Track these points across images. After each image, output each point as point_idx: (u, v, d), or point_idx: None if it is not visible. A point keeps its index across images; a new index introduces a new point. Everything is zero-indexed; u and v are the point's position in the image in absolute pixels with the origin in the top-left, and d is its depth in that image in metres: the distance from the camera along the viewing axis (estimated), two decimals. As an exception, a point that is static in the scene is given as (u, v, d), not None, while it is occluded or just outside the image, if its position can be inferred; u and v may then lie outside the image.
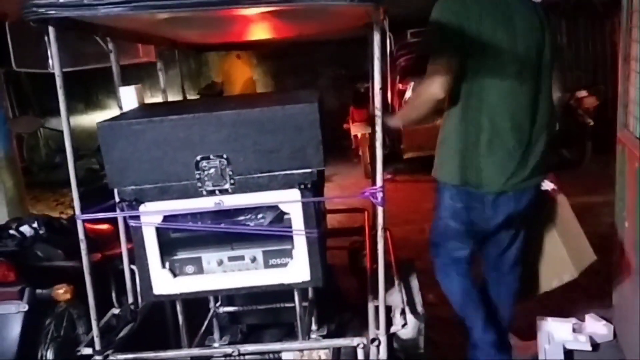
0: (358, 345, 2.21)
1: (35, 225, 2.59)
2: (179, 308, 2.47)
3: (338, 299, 3.11)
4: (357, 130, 8.07)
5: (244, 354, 2.31)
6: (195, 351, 2.35)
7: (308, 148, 2.10)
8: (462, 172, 2.64)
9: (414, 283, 2.74)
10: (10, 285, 2.45)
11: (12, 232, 2.51)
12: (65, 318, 2.91)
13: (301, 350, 2.27)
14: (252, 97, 2.63)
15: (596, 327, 3.28)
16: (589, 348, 3.20)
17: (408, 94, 8.16)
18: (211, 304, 2.85)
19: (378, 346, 2.22)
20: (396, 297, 2.49)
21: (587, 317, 3.36)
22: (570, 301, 3.68)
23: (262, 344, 2.41)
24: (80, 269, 2.77)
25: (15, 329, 2.43)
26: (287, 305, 2.71)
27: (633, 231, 2.94)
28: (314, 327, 2.89)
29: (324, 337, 2.83)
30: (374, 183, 2.10)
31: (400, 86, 8.34)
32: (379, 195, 2.08)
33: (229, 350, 2.28)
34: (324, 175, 2.22)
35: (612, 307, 3.37)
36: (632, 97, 2.88)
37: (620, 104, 3.08)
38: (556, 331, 3.27)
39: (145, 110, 2.47)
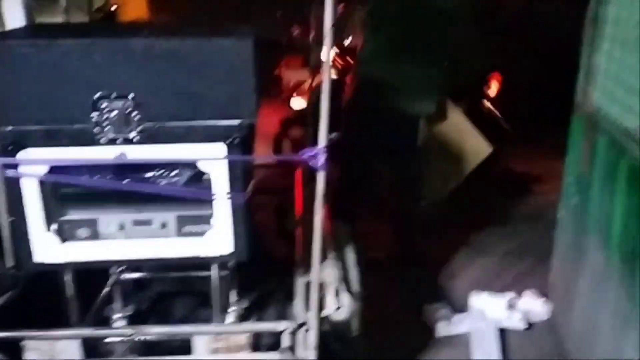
0: (284, 330, 1.89)
1: None
2: (68, 278, 2.04)
3: (262, 266, 2.75)
4: (291, 76, 7.59)
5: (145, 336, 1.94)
6: (86, 332, 1.95)
7: (238, 94, 1.70)
8: None
9: (350, 255, 2.43)
10: None
11: None
12: None
13: (219, 334, 1.91)
14: (175, 25, 2.16)
15: (532, 304, 3.12)
16: (523, 327, 3.04)
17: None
18: (113, 269, 2.43)
19: (307, 331, 1.91)
20: (329, 273, 2.17)
21: (524, 293, 3.19)
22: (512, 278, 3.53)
23: (169, 325, 2.05)
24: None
25: None
26: (203, 274, 2.33)
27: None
28: (233, 298, 2.55)
29: (245, 313, 2.50)
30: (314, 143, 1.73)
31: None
32: (321, 158, 1.72)
33: (128, 331, 1.90)
34: (255, 129, 1.83)
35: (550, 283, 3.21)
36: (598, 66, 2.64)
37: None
38: (489, 308, 3.09)
39: (34, 30, 1.97)
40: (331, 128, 1.75)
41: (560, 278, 3.06)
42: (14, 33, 1.90)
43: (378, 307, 3.07)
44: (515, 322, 3.05)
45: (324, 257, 2.28)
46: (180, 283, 2.57)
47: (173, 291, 2.65)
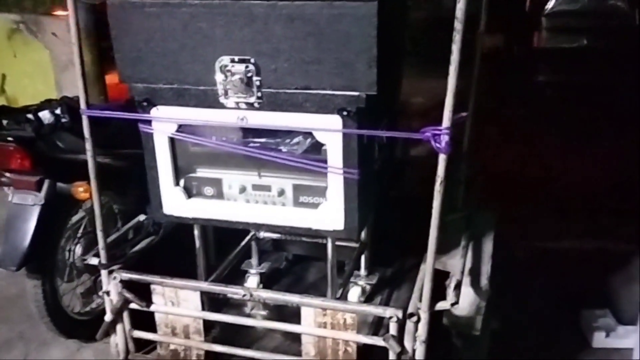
0: (390, 318, 1.78)
1: (57, 111, 2.32)
2: (196, 232, 2.13)
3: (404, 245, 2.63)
4: None
5: (257, 300, 1.96)
6: (203, 285, 2.03)
7: (357, 63, 1.59)
8: None
9: (488, 246, 2.21)
10: (27, 174, 2.23)
11: (29, 116, 2.26)
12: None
13: (324, 309, 1.86)
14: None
15: None
16: None
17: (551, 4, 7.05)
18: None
19: (416, 323, 1.78)
20: (457, 263, 1.99)
21: None
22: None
23: (279, 292, 2.03)
24: (111, 164, 2.54)
25: (30, 222, 2.23)
26: (339, 243, 2.27)
27: None
28: (362, 272, 2.49)
29: (373, 291, 2.43)
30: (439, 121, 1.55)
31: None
32: (444, 138, 1.55)
33: (240, 291, 1.93)
34: (380, 101, 1.70)
35: None
36: None
37: None
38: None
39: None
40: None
41: None
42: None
43: (526, 305, 2.81)
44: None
45: (454, 245, 2.11)
46: (316, 248, 2.57)
47: (310, 255, 2.67)
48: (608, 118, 5.60)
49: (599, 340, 2.67)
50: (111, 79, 4.17)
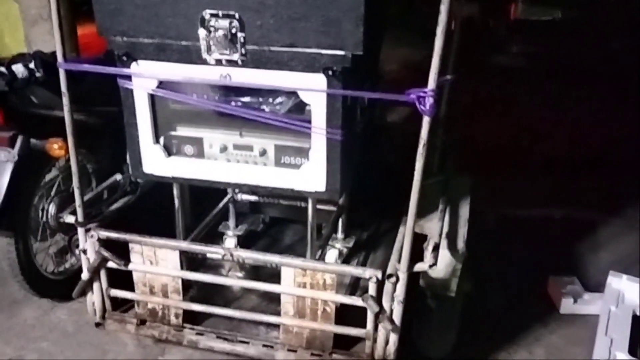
0: (370, 278, 1.80)
1: (31, 65, 2.25)
2: (175, 192, 2.11)
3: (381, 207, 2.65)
4: None
5: (237, 260, 1.96)
6: (182, 244, 2.01)
7: (344, 22, 1.57)
8: None
9: (464, 210, 2.24)
10: (0, 130, 2.16)
11: (1, 69, 2.18)
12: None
13: (304, 269, 1.87)
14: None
15: (682, 297, 2.70)
16: (666, 320, 2.65)
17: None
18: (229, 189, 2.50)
19: (395, 284, 1.80)
20: (435, 226, 2.02)
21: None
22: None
23: (260, 252, 2.03)
24: (85, 122, 2.49)
25: (3, 179, 2.17)
26: (320, 207, 2.26)
27: None
28: (339, 235, 2.51)
29: (350, 253, 2.46)
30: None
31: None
32: (429, 101, 1.55)
33: (220, 251, 1.93)
34: (365, 62, 1.69)
35: None
36: None
37: None
38: (629, 292, 2.73)
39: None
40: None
41: None
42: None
43: (496, 270, 2.87)
44: (657, 313, 2.67)
45: (432, 209, 2.14)
46: (294, 211, 2.57)
47: (288, 218, 2.67)
48: (579, 88, 5.69)
49: (567, 306, 2.74)
50: (83, 36, 4.05)
